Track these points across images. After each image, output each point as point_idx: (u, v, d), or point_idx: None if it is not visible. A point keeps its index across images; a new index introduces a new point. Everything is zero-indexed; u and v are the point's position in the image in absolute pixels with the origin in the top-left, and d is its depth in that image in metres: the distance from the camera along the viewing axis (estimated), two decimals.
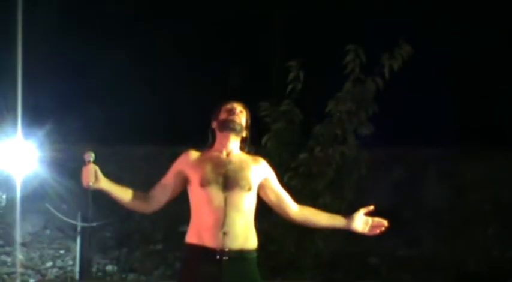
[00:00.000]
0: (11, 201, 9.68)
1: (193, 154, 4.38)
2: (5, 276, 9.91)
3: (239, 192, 4.19)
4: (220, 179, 4.20)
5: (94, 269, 10.06)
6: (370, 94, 7.40)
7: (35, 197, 9.68)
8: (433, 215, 9.88)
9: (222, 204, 4.15)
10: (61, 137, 9.29)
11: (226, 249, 4.11)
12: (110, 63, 10.77)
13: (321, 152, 7.36)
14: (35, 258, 10.00)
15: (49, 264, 10.02)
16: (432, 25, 11.05)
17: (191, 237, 4.22)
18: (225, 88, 10.90)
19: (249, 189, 4.23)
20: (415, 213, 9.85)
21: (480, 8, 11.00)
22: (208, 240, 4.13)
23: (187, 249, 4.24)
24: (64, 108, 10.24)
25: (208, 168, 4.24)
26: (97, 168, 4.17)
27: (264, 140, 7.45)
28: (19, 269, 9.87)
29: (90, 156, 4.20)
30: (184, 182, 4.32)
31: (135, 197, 4.30)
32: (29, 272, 9.96)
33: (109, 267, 10.06)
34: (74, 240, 9.99)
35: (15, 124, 8.93)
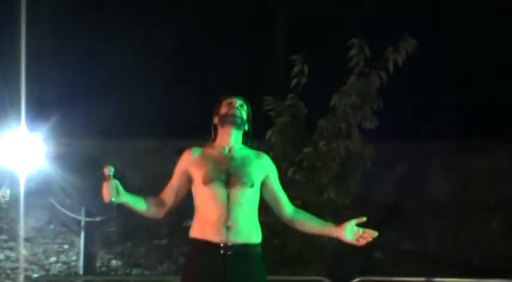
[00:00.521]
0: (15, 196, 9.67)
1: (195, 151, 4.35)
2: (9, 271, 9.92)
3: (242, 188, 4.17)
4: (223, 176, 4.18)
5: (98, 264, 10.07)
6: (374, 88, 7.39)
7: (39, 191, 9.69)
8: (437, 209, 9.88)
9: (225, 200, 4.14)
10: (65, 131, 9.29)
11: (230, 244, 4.10)
12: (114, 58, 10.78)
13: (325, 146, 7.35)
14: (38, 253, 10.01)
15: (53, 259, 10.03)
16: (436, 19, 11.05)
17: (195, 232, 4.21)
18: (230, 82, 10.89)
19: (252, 185, 4.21)
20: (419, 207, 9.84)
21: (485, 2, 10.98)
22: (212, 234, 4.12)
23: (191, 243, 4.24)
24: (68, 102, 10.26)
25: (210, 165, 4.23)
26: (118, 182, 4.03)
27: (268, 134, 7.44)
28: (23, 264, 9.86)
29: (110, 170, 4.00)
30: (190, 180, 4.31)
31: (150, 205, 4.26)
32: (33, 267, 9.97)
33: (113, 262, 10.06)
34: (78, 235, 10.00)
35: (19, 118, 8.91)
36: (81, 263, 9.96)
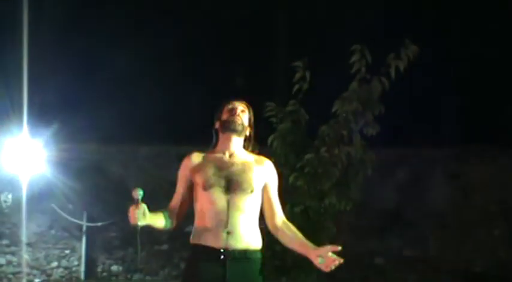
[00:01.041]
0: (16, 201, 9.69)
1: (195, 157, 4.36)
2: (11, 275, 9.93)
3: (242, 194, 4.18)
4: (223, 182, 4.19)
5: (99, 269, 10.07)
6: (376, 94, 7.38)
7: (40, 196, 9.71)
8: (438, 215, 9.87)
9: (225, 206, 4.15)
10: (67, 137, 9.30)
11: (230, 249, 4.11)
12: (115, 64, 10.79)
13: (326, 152, 7.33)
14: (40, 258, 10.01)
15: (54, 264, 10.03)
16: (438, 25, 11.05)
17: (195, 238, 4.22)
18: (231, 88, 10.90)
19: (252, 191, 4.21)
20: (420, 213, 9.84)
21: (486, 8, 10.99)
22: (212, 240, 4.13)
23: (191, 249, 4.24)
24: (69, 107, 10.27)
25: (210, 171, 4.23)
26: (145, 206, 4.00)
27: (270, 140, 7.43)
28: (25, 269, 9.88)
29: (139, 194, 3.96)
30: (193, 185, 4.32)
31: (168, 219, 4.25)
32: (35, 271, 9.98)
33: (114, 267, 10.06)
34: (80, 240, 10.00)
35: (21, 124, 8.94)
36: (82, 268, 9.97)
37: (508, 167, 10.00)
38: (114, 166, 9.92)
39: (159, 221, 4.17)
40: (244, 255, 4.14)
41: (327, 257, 4.13)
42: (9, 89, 9.40)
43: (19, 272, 9.90)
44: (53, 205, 9.81)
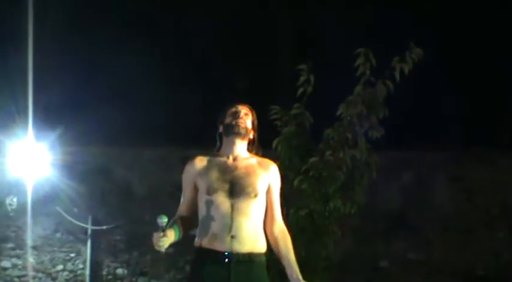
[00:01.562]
0: (22, 205, 9.70)
1: (199, 161, 4.36)
2: (16, 279, 9.94)
3: (245, 199, 4.19)
4: (227, 186, 4.20)
5: (104, 273, 10.07)
6: (380, 97, 7.37)
7: (45, 200, 9.72)
8: (442, 218, 9.86)
9: (229, 210, 4.15)
10: (71, 140, 9.31)
11: (235, 253, 4.12)
12: (120, 66, 10.80)
13: (331, 155, 7.32)
14: (45, 261, 10.02)
15: (60, 267, 10.03)
16: (442, 28, 11.05)
17: (200, 241, 4.23)
18: (235, 91, 10.91)
19: (255, 195, 4.22)
20: (424, 216, 9.83)
21: (489, 12, 11.00)
22: (217, 243, 4.14)
23: (195, 252, 4.25)
24: (74, 111, 10.29)
25: (214, 175, 4.24)
26: (169, 233, 4.08)
27: (274, 144, 7.43)
28: (30, 272, 9.89)
29: (163, 221, 4.01)
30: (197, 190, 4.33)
31: (182, 230, 4.28)
32: (40, 275, 9.98)
33: (119, 271, 10.06)
34: (85, 243, 10.00)
35: (27, 127, 8.96)
36: (87, 271, 9.96)
37: (511, 170, 9.98)
38: (119, 169, 9.92)
39: (175, 238, 4.21)
40: (249, 258, 4.15)
41: None
42: (14, 92, 9.43)
43: (24, 275, 9.90)
44: (58, 208, 9.81)
